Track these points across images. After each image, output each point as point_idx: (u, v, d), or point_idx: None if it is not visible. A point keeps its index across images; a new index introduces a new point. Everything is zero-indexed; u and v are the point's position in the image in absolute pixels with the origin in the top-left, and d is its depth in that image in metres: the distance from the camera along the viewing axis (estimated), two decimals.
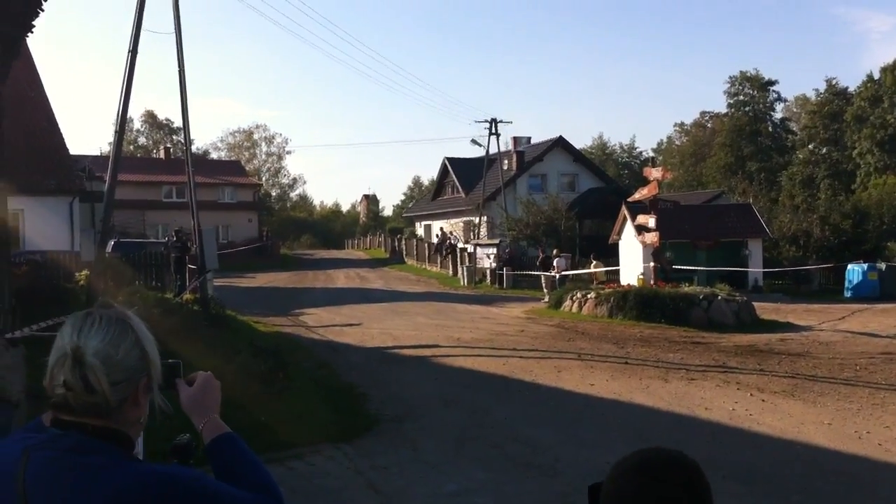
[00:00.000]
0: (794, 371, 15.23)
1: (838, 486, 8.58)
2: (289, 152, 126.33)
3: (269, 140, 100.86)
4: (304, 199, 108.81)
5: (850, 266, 33.21)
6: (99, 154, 63.63)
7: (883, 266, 32.88)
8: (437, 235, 56.25)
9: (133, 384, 1.95)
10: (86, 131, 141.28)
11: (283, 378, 12.39)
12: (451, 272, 46.02)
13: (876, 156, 67.01)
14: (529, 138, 60.38)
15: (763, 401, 12.56)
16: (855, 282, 32.59)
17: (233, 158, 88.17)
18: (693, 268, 31.16)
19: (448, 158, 61.47)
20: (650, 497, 1.60)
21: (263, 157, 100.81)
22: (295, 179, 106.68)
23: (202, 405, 2.16)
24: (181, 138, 28.61)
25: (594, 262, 33.89)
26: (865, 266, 32.67)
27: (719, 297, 23.78)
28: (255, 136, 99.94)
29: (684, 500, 1.61)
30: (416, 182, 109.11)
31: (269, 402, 11.18)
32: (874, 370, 15.35)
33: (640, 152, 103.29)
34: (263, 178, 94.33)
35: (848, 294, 32.41)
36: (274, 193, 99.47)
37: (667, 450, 1.70)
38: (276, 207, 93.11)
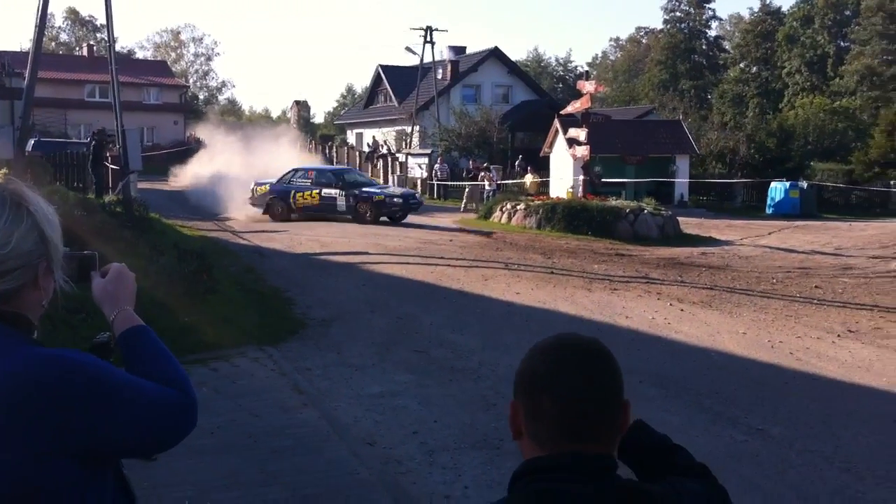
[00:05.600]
0: (713, 283, 15.65)
1: (749, 391, 8.91)
2: (218, 54, 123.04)
3: (198, 41, 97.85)
4: (232, 103, 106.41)
5: (772, 184, 33.94)
6: (19, 50, 60.98)
7: (804, 184, 33.72)
8: (368, 144, 55.70)
9: (31, 270, 1.86)
10: (5, 27, 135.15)
11: (208, 280, 12.27)
12: (381, 181, 45.78)
13: (804, 76, 68.03)
14: (465, 48, 59.62)
15: (682, 310, 12.91)
16: (777, 199, 33.37)
17: (159, 59, 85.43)
18: (622, 181, 31.53)
19: (382, 66, 60.51)
20: (561, 376, 1.60)
21: (191, 58, 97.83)
22: (224, 83, 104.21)
23: (114, 296, 2.07)
24: (105, 36, 27.48)
25: (529, 175, 34.05)
26: (787, 184, 33.43)
27: (645, 211, 24.19)
28: (183, 37, 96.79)
29: (594, 381, 1.61)
30: (349, 89, 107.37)
31: (193, 305, 11.08)
32: (790, 283, 15.86)
33: (576, 66, 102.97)
34: (191, 81, 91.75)
35: (769, 211, 33.23)
36: (202, 97, 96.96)
37: (582, 335, 1.69)
38: (203, 111, 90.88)
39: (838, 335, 11.53)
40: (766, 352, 10.52)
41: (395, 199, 26.20)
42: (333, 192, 26.00)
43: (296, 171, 27.58)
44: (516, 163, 37.35)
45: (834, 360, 10.17)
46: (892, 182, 36.50)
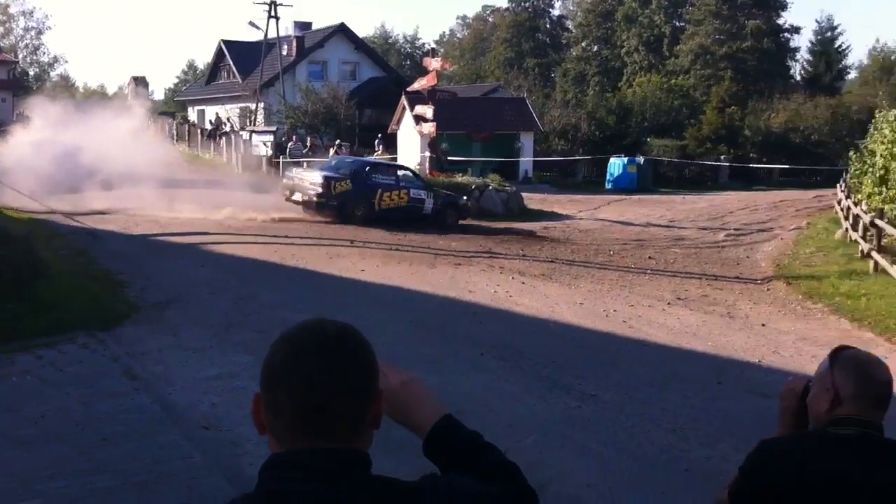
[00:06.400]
0: (554, 256, 16.08)
1: (585, 359, 9.21)
2: (49, 28, 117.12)
3: (28, 14, 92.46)
4: (65, 79, 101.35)
5: (611, 159, 35.08)
6: None
7: (641, 160, 35.01)
8: (210, 121, 54.21)
9: None
10: None
11: (35, 264, 11.65)
12: (224, 159, 44.64)
13: (642, 55, 70.50)
14: (311, 24, 58.71)
15: (523, 283, 13.19)
16: (615, 174, 34.49)
17: None
18: (468, 159, 31.88)
19: (224, 41, 58.82)
20: (297, 365, 1.47)
21: (21, 31, 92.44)
22: (56, 58, 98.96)
23: None
24: None
25: (377, 152, 34.04)
26: (625, 160, 34.63)
27: (490, 188, 24.61)
28: (12, 10, 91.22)
29: (334, 371, 1.47)
30: (191, 65, 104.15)
31: (19, 290, 10.52)
32: (625, 255, 16.48)
33: (423, 44, 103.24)
34: (20, 56, 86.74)
35: (609, 186, 34.31)
36: (32, 73, 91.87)
37: (330, 321, 1.56)
38: (34, 88, 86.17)
39: (668, 303, 12.08)
40: (601, 321, 10.89)
41: (470, 204, 22.74)
42: (422, 193, 21.44)
43: (361, 163, 23.00)
44: (376, 141, 37.09)
45: (663, 326, 10.63)
46: (722, 157, 38.38)
